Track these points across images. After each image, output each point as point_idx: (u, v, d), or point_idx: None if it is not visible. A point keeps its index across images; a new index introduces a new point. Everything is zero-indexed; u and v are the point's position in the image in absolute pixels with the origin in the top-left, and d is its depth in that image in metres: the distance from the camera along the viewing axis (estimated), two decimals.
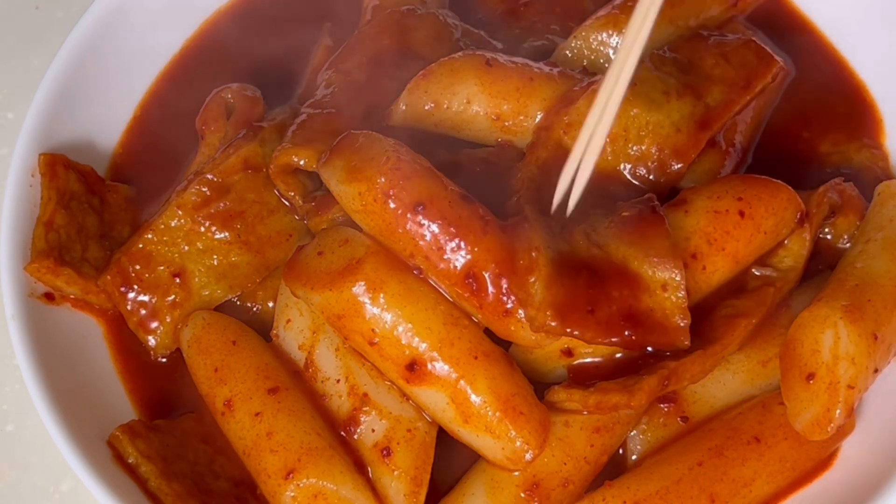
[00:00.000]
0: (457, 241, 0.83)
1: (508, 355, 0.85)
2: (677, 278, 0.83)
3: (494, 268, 0.83)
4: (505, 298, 0.83)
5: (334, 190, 0.86)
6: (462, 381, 0.82)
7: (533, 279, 0.82)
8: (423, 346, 0.82)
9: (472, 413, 0.82)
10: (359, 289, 0.82)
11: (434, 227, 0.83)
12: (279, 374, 0.88)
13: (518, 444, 0.82)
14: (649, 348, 0.85)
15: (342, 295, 0.83)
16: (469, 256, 0.83)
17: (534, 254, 0.83)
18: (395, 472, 0.84)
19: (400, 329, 0.82)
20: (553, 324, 0.81)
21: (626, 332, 0.82)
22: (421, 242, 0.83)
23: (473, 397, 0.82)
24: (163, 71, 1.10)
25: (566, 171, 0.82)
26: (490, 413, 0.82)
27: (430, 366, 0.82)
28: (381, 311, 0.82)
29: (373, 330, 0.83)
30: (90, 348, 0.96)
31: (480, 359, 0.82)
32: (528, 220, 0.84)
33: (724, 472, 0.86)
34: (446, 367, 0.82)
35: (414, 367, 0.82)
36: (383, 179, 0.83)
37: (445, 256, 0.83)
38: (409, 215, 0.83)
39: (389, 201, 0.83)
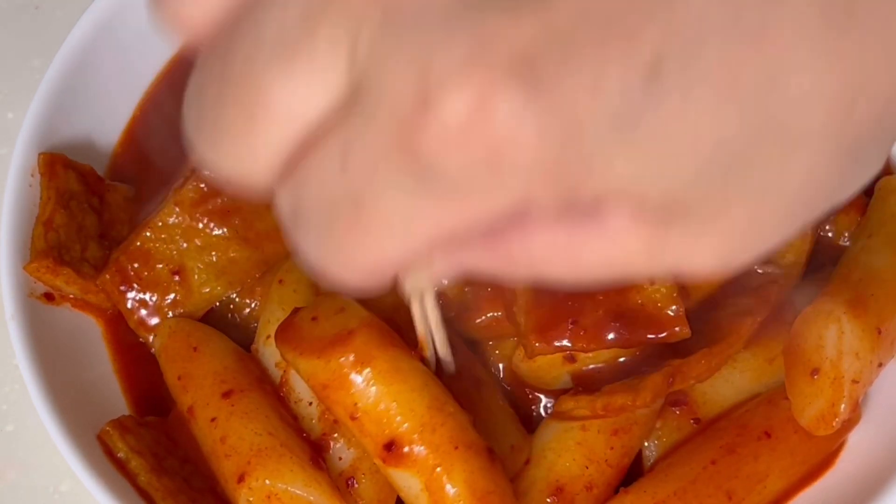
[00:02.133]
0: None
1: (491, 451, 0.79)
2: None
3: None
4: None
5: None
6: (439, 469, 0.77)
7: (516, 310, 0.82)
8: (405, 426, 0.77)
9: None
10: (346, 360, 0.78)
11: None
12: (238, 377, 0.85)
13: None
14: (650, 336, 0.84)
15: (329, 365, 0.79)
16: None
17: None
18: (359, 503, 0.83)
19: (382, 406, 0.78)
20: (539, 345, 0.81)
21: (619, 333, 0.82)
22: None
23: (448, 488, 0.77)
24: (163, 70, 1.09)
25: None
26: None
27: (407, 448, 0.77)
28: (365, 386, 0.78)
29: (355, 404, 0.78)
30: (90, 348, 0.96)
31: (461, 449, 0.77)
32: None
33: (738, 469, 0.86)
34: (424, 452, 0.77)
35: (392, 448, 0.77)
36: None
37: None
38: None
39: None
